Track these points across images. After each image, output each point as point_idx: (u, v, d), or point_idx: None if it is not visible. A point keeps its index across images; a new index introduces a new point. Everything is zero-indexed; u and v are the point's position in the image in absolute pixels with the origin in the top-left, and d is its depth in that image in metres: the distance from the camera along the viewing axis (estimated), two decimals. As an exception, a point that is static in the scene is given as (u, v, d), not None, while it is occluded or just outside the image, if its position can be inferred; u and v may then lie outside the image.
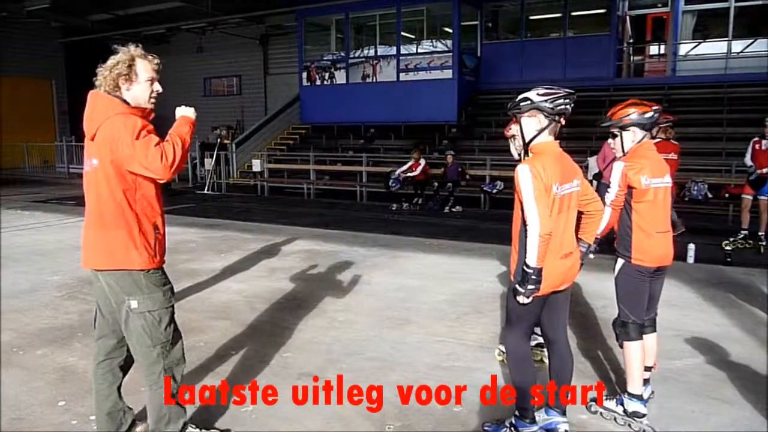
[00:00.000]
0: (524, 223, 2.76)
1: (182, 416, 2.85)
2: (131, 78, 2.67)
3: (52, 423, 3.23)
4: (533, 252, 2.69)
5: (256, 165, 16.60)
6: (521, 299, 2.79)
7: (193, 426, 3.00)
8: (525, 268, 2.74)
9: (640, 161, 3.20)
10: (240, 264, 7.13)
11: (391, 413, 3.35)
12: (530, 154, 2.91)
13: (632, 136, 3.27)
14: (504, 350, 4.18)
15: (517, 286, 2.78)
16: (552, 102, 2.78)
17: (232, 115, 22.88)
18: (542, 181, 2.71)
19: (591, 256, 3.24)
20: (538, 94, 2.80)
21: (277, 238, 8.69)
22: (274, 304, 5.48)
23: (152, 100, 2.79)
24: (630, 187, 3.20)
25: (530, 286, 2.74)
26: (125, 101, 2.68)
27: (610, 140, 3.47)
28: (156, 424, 2.79)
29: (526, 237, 2.74)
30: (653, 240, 3.21)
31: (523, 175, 2.74)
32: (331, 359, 4.14)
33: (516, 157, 3.99)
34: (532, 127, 2.86)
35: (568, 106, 2.80)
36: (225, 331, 4.72)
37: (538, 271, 2.72)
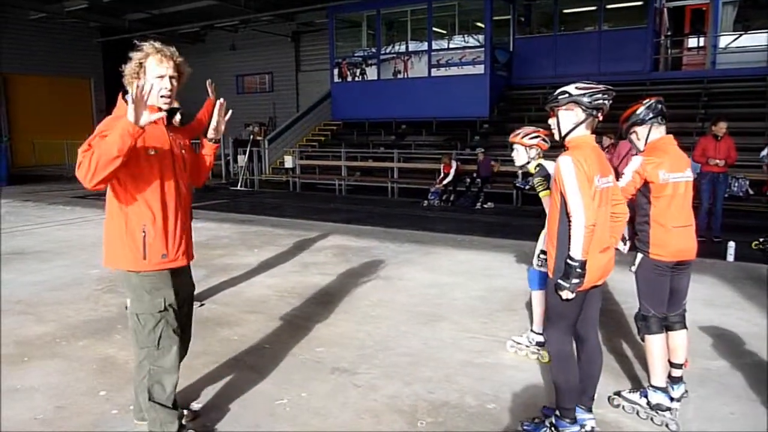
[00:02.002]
0: (567, 216, 2.73)
1: (173, 419, 2.84)
2: (140, 76, 2.66)
3: (94, 412, 3.33)
4: (578, 244, 2.66)
5: (288, 161, 16.76)
6: (565, 294, 2.74)
7: (191, 429, 2.98)
8: (569, 261, 2.69)
9: (660, 156, 3.20)
10: (273, 259, 7.21)
11: (423, 409, 3.36)
12: (565, 149, 2.89)
13: (637, 136, 3.33)
14: (517, 342, 4.19)
15: (560, 281, 2.74)
16: (590, 96, 2.78)
17: (264, 111, 23.13)
18: (585, 172, 2.69)
19: (624, 248, 3.26)
20: (576, 88, 2.80)
21: (309, 234, 8.77)
22: (306, 298, 5.53)
23: (163, 99, 2.71)
24: (648, 182, 3.20)
25: (575, 280, 2.70)
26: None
27: (628, 143, 3.48)
28: (150, 426, 2.84)
29: (569, 230, 2.71)
30: (671, 234, 3.19)
31: (565, 166, 2.72)
32: (364, 354, 4.17)
33: (518, 164, 4.08)
34: (570, 120, 2.85)
35: (606, 102, 2.80)
36: (259, 325, 4.79)
37: (583, 264, 2.68)
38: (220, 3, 18.47)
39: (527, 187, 5.60)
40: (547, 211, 3.93)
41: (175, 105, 2.96)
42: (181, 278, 2.90)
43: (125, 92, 2.70)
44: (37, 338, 4.49)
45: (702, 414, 3.30)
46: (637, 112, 3.28)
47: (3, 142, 17.57)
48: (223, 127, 3.02)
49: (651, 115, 3.26)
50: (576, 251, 2.67)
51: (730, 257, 6.95)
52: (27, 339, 4.47)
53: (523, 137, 4.00)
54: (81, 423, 3.19)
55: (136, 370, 2.84)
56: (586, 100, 2.78)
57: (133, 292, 2.74)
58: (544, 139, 4.02)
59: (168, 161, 2.75)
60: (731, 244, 7.05)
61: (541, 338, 4.14)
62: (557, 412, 2.98)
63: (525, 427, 3.11)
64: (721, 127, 8.05)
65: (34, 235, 8.90)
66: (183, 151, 2.87)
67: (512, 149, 4.09)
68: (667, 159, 3.18)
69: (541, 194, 3.89)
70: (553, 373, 3.00)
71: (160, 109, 2.67)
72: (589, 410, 3.05)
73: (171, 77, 2.71)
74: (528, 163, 4.02)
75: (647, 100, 3.29)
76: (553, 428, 2.99)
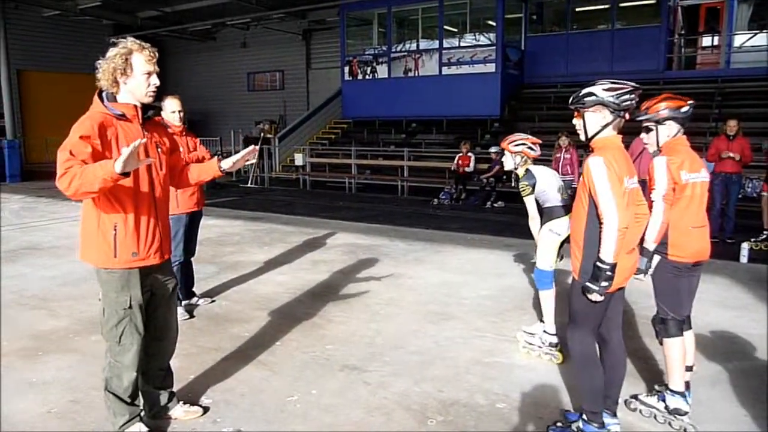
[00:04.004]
0: (597, 218, 2.68)
1: (125, 413, 2.88)
2: (127, 72, 2.68)
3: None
4: (610, 247, 2.62)
5: (299, 159, 16.80)
6: (594, 297, 2.71)
7: (145, 426, 2.96)
8: (599, 264, 2.65)
9: (680, 155, 3.15)
10: (283, 256, 7.24)
11: (432, 407, 3.36)
12: (591, 150, 2.86)
13: (667, 131, 3.22)
14: (530, 342, 4.18)
15: (589, 284, 2.70)
16: (618, 98, 2.72)
17: (274, 109, 23.17)
18: (616, 173, 2.66)
19: (642, 277, 3.18)
20: (603, 90, 2.74)
21: (319, 232, 8.79)
22: (316, 296, 5.55)
23: (150, 94, 2.76)
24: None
25: (604, 283, 2.66)
26: (112, 98, 2.71)
27: (643, 134, 3.40)
28: (107, 410, 2.92)
29: (598, 232, 2.67)
30: (690, 236, 3.16)
31: (597, 167, 2.67)
32: (374, 352, 4.17)
33: (506, 169, 4.28)
34: (597, 122, 2.80)
35: (633, 102, 2.75)
36: (269, 322, 4.82)
37: (613, 267, 2.64)
38: (231, 0, 18.53)
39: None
40: (530, 213, 4.16)
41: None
42: (156, 277, 2.92)
43: (101, 91, 2.72)
44: (51, 333, 4.54)
45: (714, 416, 3.27)
46: (683, 110, 3.17)
47: (16, 139, 17.73)
48: (238, 167, 3.11)
49: (685, 119, 3.19)
50: (607, 254, 2.63)
51: (744, 259, 6.89)
52: (41, 333, 4.52)
53: (509, 144, 4.17)
54: (95, 417, 3.21)
55: (104, 357, 2.91)
56: (614, 101, 2.72)
57: (103, 287, 2.80)
58: (530, 147, 4.13)
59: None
60: (744, 246, 6.99)
61: (554, 339, 4.12)
62: (584, 416, 2.94)
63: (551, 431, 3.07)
64: (731, 126, 7.98)
65: (47, 231, 9.00)
66: (159, 150, 2.88)
67: (506, 156, 4.25)
68: (686, 159, 3.14)
69: (525, 198, 4.11)
70: (578, 377, 2.96)
71: (148, 105, 2.82)
72: (614, 414, 3.00)
73: (157, 73, 2.76)
74: (516, 168, 4.20)
75: (691, 102, 3.20)
76: None
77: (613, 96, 2.72)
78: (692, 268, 3.22)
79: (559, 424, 3.10)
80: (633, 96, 2.73)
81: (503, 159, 4.26)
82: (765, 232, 7.85)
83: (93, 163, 2.48)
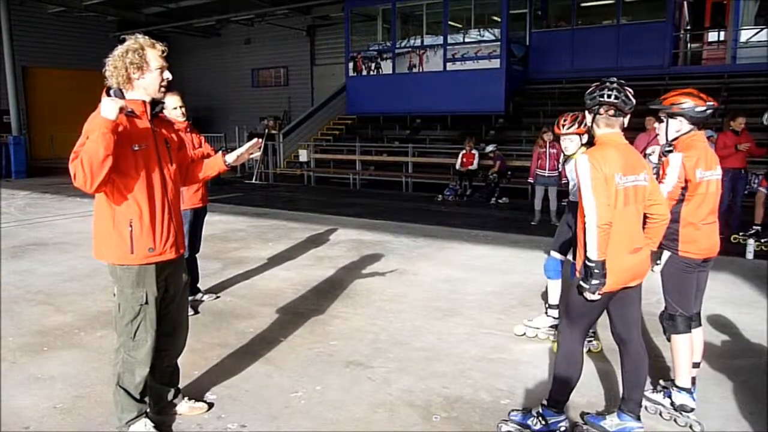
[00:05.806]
0: (583, 214, 2.70)
1: (133, 409, 2.88)
2: (143, 67, 2.68)
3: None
4: (593, 244, 2.63)
5: (303, 155, 16.79)
6: (588, 296, 2.71)
7: (150, 422, 2.96)
8: (587, 261, 2.66)
9: (695, 153, 3.11)
10: (288, 252, 7.24)
11: (437, 403, 3.36)
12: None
13: (678, 126, 3.18)
14: (529, 325, 4.22)
15: (581, 282, 2.71)
16: (589, 95, 2.83)
17: (279, 105, 23.17)
18: (601, 171, 2.66)
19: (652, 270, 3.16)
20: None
21: (323, 228, 8.80)
22: (321, 292, 5.55)
23: (162, 89, 2.77)
24: (686, 180, 3.11)
25: (594, 281, 2.66)
26: (120, 95, 2.64)
27: (656, 124, 3.37)
28: (115, 406, 2.92)
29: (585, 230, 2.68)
30: (701, 232, 3.14)
31: (581, 164, 2.71)
32: (379, 348, 4.18)
33: (570, 153, 4.11)
34: (589, 123, 2.91)
35: (602, 97, 2.77)
36: (273, 318, 4.82)
37: (601, 265, 2.64)
38: (236, -4, 18.55)
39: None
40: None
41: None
42: (171, 272, 2.92)
43: (108, 88, 2.69)
44: (57, 328, 4.56)
45: (721, 413, 3.26)
46: (698, 109, 3.11)
47: (22, 135, 17.78)
48: (243, 160, 3.13)
49: (701, 118, 3.14)
50: (591, 251, 2.64)
51: (750, 255, 6.86)
52: (46, 329, 4.54)
53: (578, 126, 3.98)
54: (100, 412, 3.23)
55: (114, 353, 2.92)
56: (587, 101, 2.84)
57: (117, 282, 2.81)
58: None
59: (153, 155, 2.77)
60: (750, 242, 6.96)
61: (556, 322, 4.12)
62: (544, 402, 2.99)
63: (512, 417, 3.09)
64: (740, 122, 7.93)
65: (53, 227, 9.02)
66: (168, 145, 2.88)
67: (560, 141, 4.13)
68: (702, 156, 3.11)
69: None
70: (558, 369, 2.97)
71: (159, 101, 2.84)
72: (638, 418, 2.96)
73: (168, 69, 2.78)
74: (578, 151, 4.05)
75: (712, 103, 3.16)
76: (540, 418, 2.98)
77: (587, 97, 2.84)
78: (702, 264, 3.21)
79: (524, 409, 3.13)
80: (601, 92, 2.77)
81: (567, 144, 4.08)
82: (754, 227, 7.81)
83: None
